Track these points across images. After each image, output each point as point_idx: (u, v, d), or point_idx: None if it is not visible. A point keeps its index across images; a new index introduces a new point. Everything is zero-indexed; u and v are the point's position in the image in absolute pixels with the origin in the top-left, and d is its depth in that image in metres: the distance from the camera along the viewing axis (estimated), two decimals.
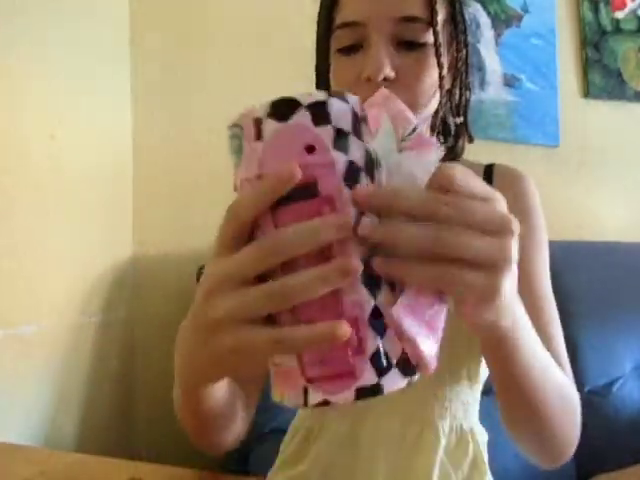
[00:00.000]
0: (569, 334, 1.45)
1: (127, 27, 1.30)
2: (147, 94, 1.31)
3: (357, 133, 0.33)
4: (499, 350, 0.44)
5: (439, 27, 0.61)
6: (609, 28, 1.77)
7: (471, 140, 0.72)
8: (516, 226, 0.33)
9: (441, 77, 0.62)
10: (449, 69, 0.66)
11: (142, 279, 1.30)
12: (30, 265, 1.03)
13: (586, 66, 1.74)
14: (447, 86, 0.65)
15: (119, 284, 1.26)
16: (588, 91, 1.74)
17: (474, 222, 0.32)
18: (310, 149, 0.32)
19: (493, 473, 0.66)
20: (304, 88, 0.34)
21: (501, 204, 0.34)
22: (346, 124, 0.32)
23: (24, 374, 1.02)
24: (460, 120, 0.69)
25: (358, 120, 0.33)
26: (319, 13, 0.66)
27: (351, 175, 0.32)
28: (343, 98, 0.33)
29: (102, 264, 1.22)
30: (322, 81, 0.70)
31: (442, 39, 0.63)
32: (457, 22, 0.66)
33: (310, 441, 0.69)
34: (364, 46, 0.62)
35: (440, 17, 0.62)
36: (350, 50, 0.62)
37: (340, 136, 0.32)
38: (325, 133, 0.32)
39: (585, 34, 1.75)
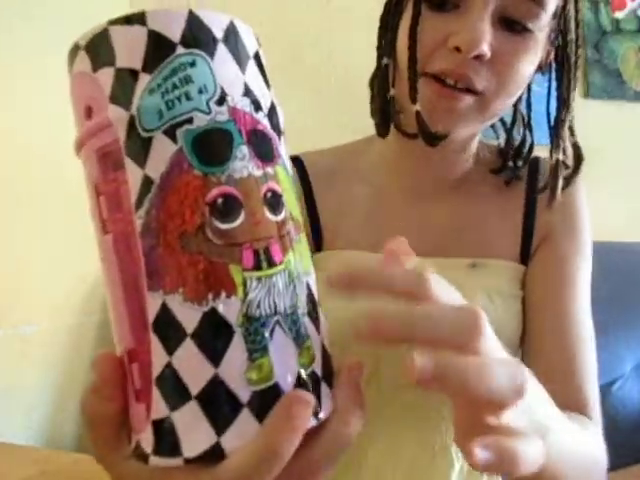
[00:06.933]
0: None
1: None
2: None
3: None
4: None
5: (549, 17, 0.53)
6: (609, 28, 1.77)
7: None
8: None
9: (547, 65, 0.58)
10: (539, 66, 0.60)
11: None
12: (30, 265, 1.03)
13: (586, 66, 1.74)
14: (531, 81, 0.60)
15: None
16: (588, 91, 1.74)
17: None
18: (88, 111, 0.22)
19: None
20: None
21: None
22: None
23: (24, 374, 1.02)
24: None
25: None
26: None
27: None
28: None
29: None
30: (387, 38, 0.57)
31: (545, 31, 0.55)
32: (567, 16, 0.60)
33: None
34: (461, 6, 0.51)
35: (552, 7, 0.54)
36: (441, 5, 0.51)
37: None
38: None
39: (585, 34, 1.75)
